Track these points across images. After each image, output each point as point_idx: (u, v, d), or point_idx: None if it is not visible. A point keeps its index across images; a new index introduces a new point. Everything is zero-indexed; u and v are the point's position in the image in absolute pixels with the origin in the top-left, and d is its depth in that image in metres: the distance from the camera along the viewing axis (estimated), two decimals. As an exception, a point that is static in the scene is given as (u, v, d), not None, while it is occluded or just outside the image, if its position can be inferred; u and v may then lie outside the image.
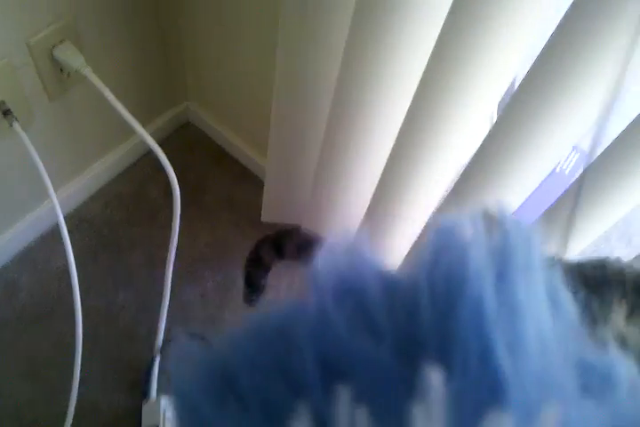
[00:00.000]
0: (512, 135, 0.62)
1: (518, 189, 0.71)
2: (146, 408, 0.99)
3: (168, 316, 1.08)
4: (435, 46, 0.60)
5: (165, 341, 1.07)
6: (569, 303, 0.26)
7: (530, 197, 0.78)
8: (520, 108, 0.59)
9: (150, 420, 0.97)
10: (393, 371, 0.22)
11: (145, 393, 1.03)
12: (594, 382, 0.23)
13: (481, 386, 0.20)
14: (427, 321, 0.23)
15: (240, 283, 1.15)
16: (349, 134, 0.84)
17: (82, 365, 1.01)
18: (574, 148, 1.19)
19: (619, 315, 0.36)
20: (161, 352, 1.05)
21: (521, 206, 0.81)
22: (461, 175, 0.73)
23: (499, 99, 0.70)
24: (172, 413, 0.96)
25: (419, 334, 0.23)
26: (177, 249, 1.01)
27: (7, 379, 1.04)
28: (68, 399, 0.98)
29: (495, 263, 0.25)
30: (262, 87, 1.04)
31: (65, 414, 0.97)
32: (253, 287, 1.01)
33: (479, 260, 0.24)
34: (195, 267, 1.18)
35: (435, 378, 0.21)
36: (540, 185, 0.73)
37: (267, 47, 0.95)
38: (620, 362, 0.25)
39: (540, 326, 0.24)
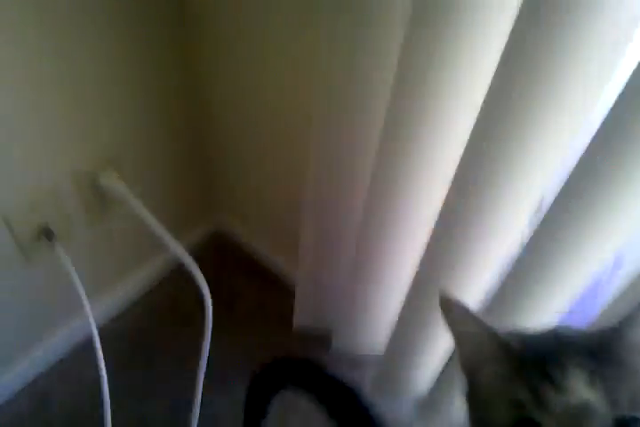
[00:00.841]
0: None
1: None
2: None
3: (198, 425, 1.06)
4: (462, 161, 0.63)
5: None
6: None
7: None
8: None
9: None
10: None
11: None
12: None
13: None
14: None
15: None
16: (383, 233, 0.87)
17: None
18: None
19: (579, 382, 0.34)
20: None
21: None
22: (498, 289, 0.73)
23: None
24: None
25: None
26: (209, 360, 1.02)
27: None
28: None
29: None
30: (289, 196, 1.09)
31: None
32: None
33: None
34: (227, 376, 1.18)
35: None
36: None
37: (292, 158, 1.01)
38: None
39: None
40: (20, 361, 1.12)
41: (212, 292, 0.95)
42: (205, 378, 1.05)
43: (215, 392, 1.14)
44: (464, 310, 0.39)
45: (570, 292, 0.68)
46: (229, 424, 1.12)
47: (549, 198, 0.60)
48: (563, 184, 0.57)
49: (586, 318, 0.72)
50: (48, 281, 1.04)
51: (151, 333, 1.25)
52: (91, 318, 0.94)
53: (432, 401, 1.00)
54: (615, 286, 0.67)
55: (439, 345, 0.93)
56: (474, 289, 0.82)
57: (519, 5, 0.50)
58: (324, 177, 0.88)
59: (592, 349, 0.36)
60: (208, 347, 1.00)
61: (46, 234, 0.91)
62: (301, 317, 1.22)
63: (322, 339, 1.21)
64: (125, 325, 1.25)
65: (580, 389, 0.34)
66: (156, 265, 1.29)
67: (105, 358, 0.96)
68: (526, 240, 0.65)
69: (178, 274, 1.32)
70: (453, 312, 0.39)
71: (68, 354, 1.19)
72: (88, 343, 1.15)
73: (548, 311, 0.71)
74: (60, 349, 1.18)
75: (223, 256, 1.37)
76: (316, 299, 1.17)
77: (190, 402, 1.07)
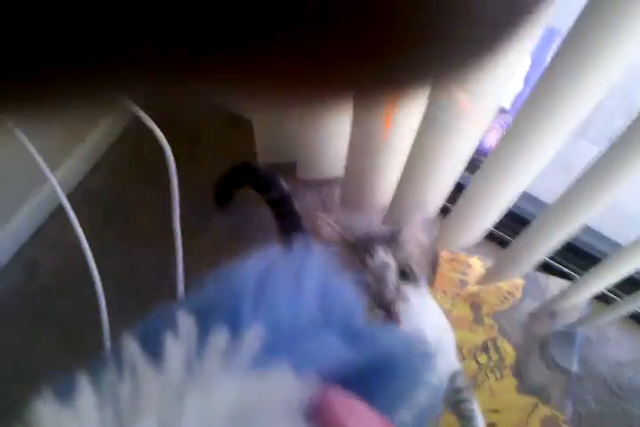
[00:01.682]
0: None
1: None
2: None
3: (185, 266, 1.15)
4: None
5: (186, 289, 1.14)
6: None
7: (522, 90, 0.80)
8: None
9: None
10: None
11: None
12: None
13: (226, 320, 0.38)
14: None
15: (248, 224, 1.22)
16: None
17: (112, 325, 1.09)
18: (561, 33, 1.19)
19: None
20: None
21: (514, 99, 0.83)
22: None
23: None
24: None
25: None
26: (182, 203, 1.06)
27: (44, 348, 1.13)
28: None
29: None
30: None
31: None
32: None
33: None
34: (203, 216, 1.24)
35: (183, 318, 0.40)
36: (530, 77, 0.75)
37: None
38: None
39: (294, 299, 0.40)
40: (3, 233, 1.16)
41: (171, 138, 0.97)
42: (182, 222, 1.11)
43: (194, 233, 1.21)
44: (327, 222, 0.70)
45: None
46: (213, 259, 1.20)
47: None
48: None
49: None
50: (6, 152, 1.03)
51: (120, 190, 1.28)
52: (55, 183, 0.96)
53: (391, 206, 1.08)
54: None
55: (394, 162, 0.99)
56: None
57: None
58: None
59: (387, 237, 0.68)
60: (177, 193, 1.04)
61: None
62: (263, 154, 1.25)
63: (286, 170, 1.26)
64: (93, 186, 1.28)
65: (381, 255, 0.64)
66: (111, 121, 1.28)
67: (81, 221, 1.00)
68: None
69: (134, 126, 1.32)
70: (321, 227, 0.70)
71: (47, 221, 1.23)
72: (63, 208, 1.19)
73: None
74: (37, 217, 1.22)
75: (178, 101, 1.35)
76: (276, 132, 1.19)
77: (173, 245, 1.14)
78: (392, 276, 0.63)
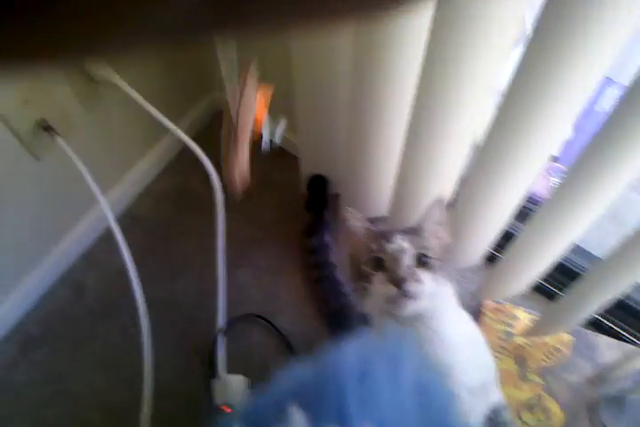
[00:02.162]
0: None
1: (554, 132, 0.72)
2: (216, 386, 1.06)
3: (226, 298, 1.15)
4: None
5: (226, 322, 1.14)
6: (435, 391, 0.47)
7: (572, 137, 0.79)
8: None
9: (221, 396, 1.03)
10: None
11: (213, 372, 1.10)
12: None
13: (333, 417, 0.41)
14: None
15: (291, 260, 1.22)
16: (372, 99, 0.87)
17: (152, 351, 1.09)
18: (613, 83, 1.18)
19: (398, 238, 0.71)
20: (223, 333, 1.12)
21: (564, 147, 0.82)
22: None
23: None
24: (240, 388, 1.04)
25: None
26: (226, 234, 1.07)
27: (85, 370, 1.13)
28: (142, 384, 1.07)
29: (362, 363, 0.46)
30: (283, 68, 1.08)
31: (142, 398, 1.06)
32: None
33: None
34: (246, 249, 1.25)
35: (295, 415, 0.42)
36: (581, 125, 0.75)
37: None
38: None
39: (394, 396, 0.42)
40: (52, 255, 1.19)
41: (218, 170, 0.98)
42: (226, 253, 1.12)
43: (236, 264, 1.21)
44: (354, 215, 0.75)
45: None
46: (253, 289, 1.20)
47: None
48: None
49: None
50: (60, 176, 1.06)
51: (166, 217, 1.30)
52: (106, 208, 0.98)
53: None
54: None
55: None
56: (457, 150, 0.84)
57: None
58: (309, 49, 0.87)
59: (408, 229, 0.73)
60: (223, 224, 1.05)
61: (45, 128, 0.92)
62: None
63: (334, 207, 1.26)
64: (141, 211, 1.30)
65: (398, 241, 0.70)
66: (160, 151, 1.31)
67: (128, 245, 1.02)
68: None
69: (183, 156, 1.35)
70: (348, 219, 0.75)
71: (95, 244, 1.26)
72: (111, 232, 1.21)
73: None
74: (86, 240, 1.25)
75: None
76: (319, 168, 1.20)
77: (215, 276, 1.14)
78: (406, 258, 0.69)
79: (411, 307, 0.68)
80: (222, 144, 0.83)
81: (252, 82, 0.79)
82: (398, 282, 0.67)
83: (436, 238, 0.74)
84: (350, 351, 0.46)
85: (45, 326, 1.18)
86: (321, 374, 0.45)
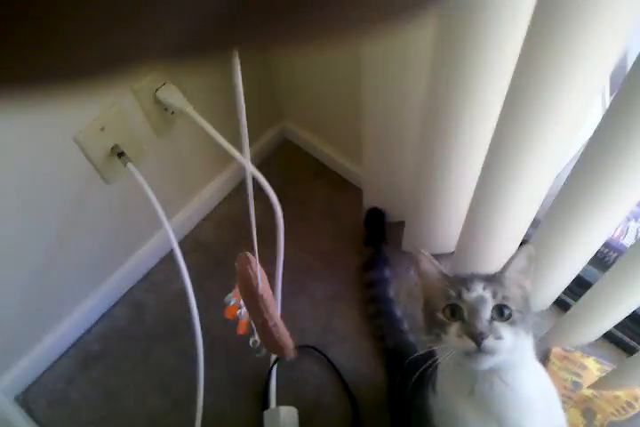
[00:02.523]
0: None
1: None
2: (267, 417, 1.04)
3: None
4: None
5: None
6: None
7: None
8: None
9: (271, 428, 1.02)
10: None
11: (265, 402, 1.08)
12: None
13: None
14: None
15: (348, 292, 1.20)
16: (444, 134, 0.85)
17: (206, 377, 1.09)
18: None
19: (479, 286, 0.67)
20: (277, 363, 1.11)
21: None
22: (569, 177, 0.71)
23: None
24: (291, 421, 1.02)
25: None
26: (285, 263, 1.07)
27: (141, 392, 1.14)
28: (195, 409, 1.06)
29: None
30: (353, 99, 1.07)
31: (193, 422, 1.05)
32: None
33: None
34: (304, 279, 1.23)
35: None
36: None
37: (354, 59, 0.98)
38: None
39: None
40: (115, 275, 1.21)
41: (281, 199, 0.98)
42: (283, 281, 1.11)
43: (293, 294, 1.20)
44: (427, 258, 0.71)
45: None
46: (308, 320, 1.19)
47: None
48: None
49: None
50: (128, 201, 1.09)
51: (227, 243, 1.30)
52: (170, 232, 0.99)
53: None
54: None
55: (511, 238, 0.94)
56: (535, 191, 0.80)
57: None
58: (379, 79, 0.86)
59: (489, 277, 0.69)
60: (283, 253, 1.05)
61: (118, 154, 0.94)
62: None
63: (395, 237, 1.24)
64: (202, 237, 1.31)
65: (479, 290, 0.66)
66: (225, 178, 1.33)
67: (187, 269, 1.02)
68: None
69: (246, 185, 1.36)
70: (421, 262, 0.72)
71: (156, 267, 1.27)
72: (172, 256, 1.22)
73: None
74: (148, 262, 1.26)
75: (290, 164, 1.39)
76: (383, 200, 1.18)
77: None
78: (486, 310, 0.64)
79: (488, 363, 0.64)
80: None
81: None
82: (477, 337, 0.62)
83: (518, 288, 0.69)
84: None
85: (104, 344, 1.20)
86: None
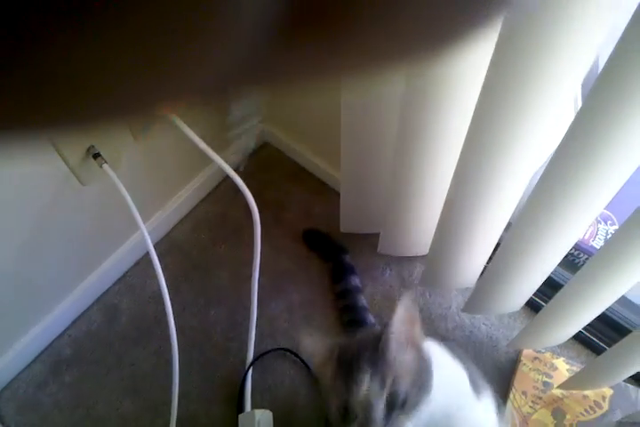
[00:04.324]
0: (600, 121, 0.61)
1: (608, 183, 0.70)
2: (242, 420, 1.04)
3: (257, 330, 1.14)
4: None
5: (256, 355, 1.13)
6: None
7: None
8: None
9: (246, 431, 1.02)
10: None
11: (240, 406, 1.08)
12: None
13: None
14: None
15: (324, 297, 1.21)
16: (419, 142, 0.86)
17: (180, 380, 1.09)
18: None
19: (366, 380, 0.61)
20: (252, 366, 1.11)
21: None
22: (544, 173, 0.73)
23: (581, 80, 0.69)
24: (266, 424, 1.02)
25: None
26: (261, 265, 1.07)
27: (114, 395, 1.13)
28: (169, 412, 1.06)
29: None
30: (334, 103, 1.08)
31: (168, 425, 1.05)
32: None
33: None
34: (280, 282, 1.24)
35: None
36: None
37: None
38: None
39: None
40: (90, 278, 1.19)
41: (258, 202, 0.98)
42: (260, 284, 1.11)
43: (269, 296, 1.20)
44: (312, 339, 0.72)
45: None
46: (284, 324, 1.19)
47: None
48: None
49: None
50: (103, 202, 1.08)
51: (203, 245, 1.30)
52: (146, 234, 0.99)
53: (478, 292, 1.03)
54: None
55: (484, 241, 0.95)
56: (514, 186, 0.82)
57: None
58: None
59: (374, 356, 0.61)
60: (259, 255, 1.05)
61: (94, 155, 0.94)
62: (347, 223, 1.25)
63: (370, 241, 1.25)
64: (179, 239, 1.31)
65: (366, 382, 0.59)
66: (202, 179, 1.32)
67: (163, 272, 1.02)
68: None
69: (224, 186, 1.36)
70: (302, 343, 0.72)
71: (131, 269, 1.26)
72: (148, 258, 1.22)
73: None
74: (123, 264, 1.25)
75: (268, 166, 1.39)
76: (360, 205, 1.19)
77: (247, 307, 1.14)
78: (379, 405, 0.57)
79: None
80: None
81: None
82: None
83: (409, 350, 0.64)
84: None
85: (77, 348, 1.19)
86: None
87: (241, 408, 1.08)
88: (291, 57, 0.13)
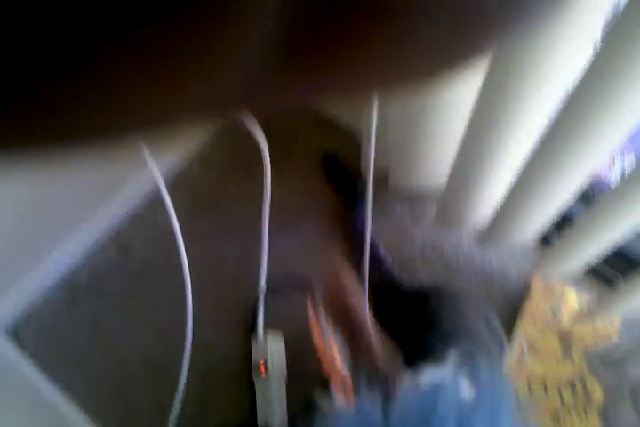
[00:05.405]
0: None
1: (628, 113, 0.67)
2: (255, 344, 1.08)
3: (268, 261, 1.15)
4: None
5: (267, 284, 1.14)
6: None
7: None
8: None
9: (259, 354, 1.06)
10: None
11: (253, 331, 1.11)
12: None
13: None
14: None
15: (335, 230, 1.21)
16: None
17: (194, 308, 1.11)
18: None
19: None
20: (264, 294, 1.13)
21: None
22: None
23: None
24: (278, 347, 1.05)
25: None
26: (273, 201, 1.06)
27: (132, 326, 1.16)
28: (184, 341, 1.09)
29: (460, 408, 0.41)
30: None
31: (183, 352, 1.09)
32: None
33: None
34: (291, 217, 1.23)
35: None
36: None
37: None
38: None
39: None
40: (100, 211, 1.20)
41: (268, 138, 0.96)
42: (271, 220, 1.11)
43: (281, 228, 1.20)
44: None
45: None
46: (297, 257, 1.20)
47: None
48: None
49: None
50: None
51: (214, 181, 1.29)
52: (155, 169, 0.97)
53: (492, 231, 1.03)
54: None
55: (499, 178, 0.93)
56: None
57: None
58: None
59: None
60: (269, 190, 1.04)
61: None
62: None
63: (382, 177, 1.23)
64: (190, 175, 1.29)
65: None
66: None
67: (175, 209, 1.01)
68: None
69: (235, 123, 1.32)
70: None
71: (143, 205, 1.26)
72: (158, 192, 1.21)
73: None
74: (134, 200, 1.25)
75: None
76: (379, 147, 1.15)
77: (259, 239, 1.14)
78: None
79: None
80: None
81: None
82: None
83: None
84: (445, 402, 0.42)
85: (93, 279, 1.21)
86: (406, 419, 0.41)
87: (254, 334, 1.11)
88: (288, 81, 0.13)
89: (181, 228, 1.03)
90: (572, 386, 0.99)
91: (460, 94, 0.84)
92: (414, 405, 0.41)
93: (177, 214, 1.01)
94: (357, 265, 1.15)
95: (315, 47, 0.12)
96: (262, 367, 1.04)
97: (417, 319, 0.84)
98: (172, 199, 1.01)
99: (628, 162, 1.08)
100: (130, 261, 1.22)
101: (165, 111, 0.12)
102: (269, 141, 0.96)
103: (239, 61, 0.11)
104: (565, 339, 1.02)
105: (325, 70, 0.13)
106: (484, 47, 0.14)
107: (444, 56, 0.14)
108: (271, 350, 1.05)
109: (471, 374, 0.45)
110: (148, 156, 0.95)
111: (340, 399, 0.51)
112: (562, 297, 1.06)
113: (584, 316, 1.01)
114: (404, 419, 0.40)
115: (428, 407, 0.40)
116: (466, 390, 0.44)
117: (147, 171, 1.18)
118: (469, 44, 0.14)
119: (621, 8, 0.52)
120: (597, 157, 0.77)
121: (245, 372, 1.08)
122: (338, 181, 1.24)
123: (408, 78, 0.14)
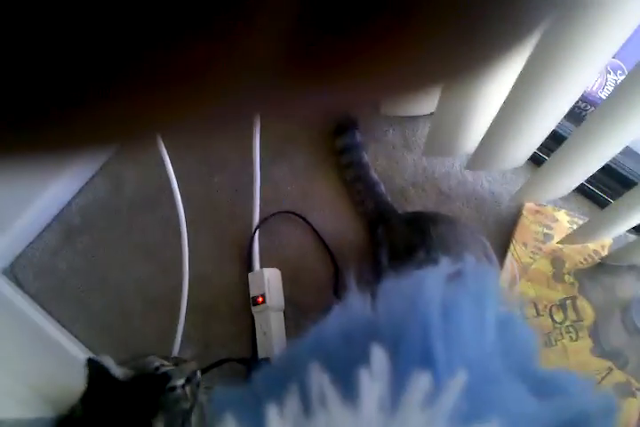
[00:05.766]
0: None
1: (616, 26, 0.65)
2: (252, 278, 1.09)
3: (261, 194, 1.15)
4: None
5: (262, 218, 1.14)
6: (518, 327, 0.44)
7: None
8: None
9: (257, 288, 1.07)
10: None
11: (249, 265, 1.12)
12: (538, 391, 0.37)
13: (416, 359, 0.35)
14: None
15: (327, 159, 1.20)
16: None
17: (189, 243, 1.12)
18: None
19: None
20: (259, 228, 1.13)
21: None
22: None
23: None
24: (275, 281, 1.06)
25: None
26: (262, 131, 1.05)
27: (126, 259, 1.17)
28: (181, 275, 1.10)
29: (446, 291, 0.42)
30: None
31: (181, 286, 1.10)
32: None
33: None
34: (282, 147, 1.22)
35: (378, 354, 0.35)
36: None
37: None
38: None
39: (480, 336, 0.38)
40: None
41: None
42: (261, 148, 1.10)
43: (272, 161, 1.20)
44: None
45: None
46: (290, 188, 1.19)
47: None
48: None
49: None
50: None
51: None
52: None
53: (483, 156, 1.02)
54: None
55: (489, 104, 0.92)
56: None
57: None
58: None
59: None
60: (259, 121, 1.03)
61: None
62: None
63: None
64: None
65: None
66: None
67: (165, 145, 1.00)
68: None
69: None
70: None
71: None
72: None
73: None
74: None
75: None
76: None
77: (250, 173, 1.14)
78: None
79: None
80: None
81: None
82: None
83: None
84: (430, 286, 0.42)
85: (86, 216, 1.21)
86: (394, 311, 0.41)
87: (250, 268, 1.12)
88: (286, 95, 0.13)
89: (172, 161, 1.03)
90: (564, 308, 1.01)
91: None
92: (400, 291, 0.42)
93: (166, 147, 1.01)
94: (352, 191, 1.15)
95: (329, 62, 0.12)
96: (260, 301, 1.05)
97: (416, 244, 0.85)
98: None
99: (620, 78, 1.06)
100: (122, 197, 1.21)
101: (181, 121, 0.13)
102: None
103: (253, 72, 0.12)
104: (557, 262, 1.03)
105: (340, 81, 0.13)
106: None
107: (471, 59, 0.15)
108: (268, 283, 1.06)
109: (458, 267, 0.45)
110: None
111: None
112: (553, 219, 1.06)
113: (575, 237, 1.01)
114: (390, 304, 0.41)
115: (414, 292, 0.41)
116: (450, 272, 0.44)
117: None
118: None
119: None
120: (586, 73, 0.76)
121: (244, 306, 1.09)
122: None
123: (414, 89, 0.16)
